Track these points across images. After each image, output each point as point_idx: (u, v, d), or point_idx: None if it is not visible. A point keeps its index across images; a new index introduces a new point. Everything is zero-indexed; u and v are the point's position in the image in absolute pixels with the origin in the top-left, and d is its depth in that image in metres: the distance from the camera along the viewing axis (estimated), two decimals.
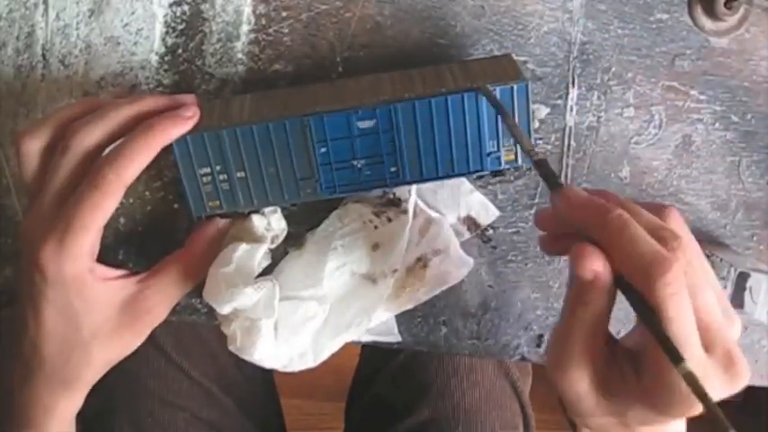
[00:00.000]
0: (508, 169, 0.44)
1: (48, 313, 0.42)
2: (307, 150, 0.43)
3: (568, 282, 0.36)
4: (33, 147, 0.42)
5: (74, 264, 0.40)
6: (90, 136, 0.41)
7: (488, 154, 0.43)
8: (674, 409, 0.33)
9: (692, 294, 0.33)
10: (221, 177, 0.44)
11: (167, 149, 0.42)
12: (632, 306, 0.33)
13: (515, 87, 0.41)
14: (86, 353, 0.43)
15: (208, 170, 0.43)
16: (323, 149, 0.43)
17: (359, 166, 0.43)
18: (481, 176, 0.49)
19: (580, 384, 0.36)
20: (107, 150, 0.41)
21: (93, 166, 0.41)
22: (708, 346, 0.33)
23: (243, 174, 0.43)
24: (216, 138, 0.42)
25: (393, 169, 0.43)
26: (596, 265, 0.34)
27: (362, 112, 0.42)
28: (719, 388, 0.33)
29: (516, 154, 0.43)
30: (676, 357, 0.31)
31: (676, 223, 0.37)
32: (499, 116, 0.42)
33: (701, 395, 0.30)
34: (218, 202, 0.44)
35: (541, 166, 0.38)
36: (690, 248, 0.34)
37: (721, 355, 0.33)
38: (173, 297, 0.46)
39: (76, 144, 0.41)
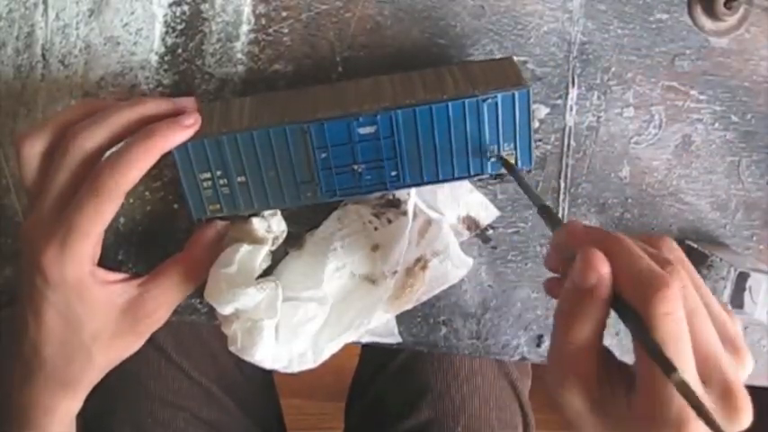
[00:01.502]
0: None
1: (49, 315, 0.42)
2: (307, 156, 0.43)
3: (558, 303, 0.36)
4: (34, 149, 0.42)
5: (75, 268, 0.40)
6: (90, 139, 0.41)
7: (489, 158, 0.43)
8: (669, 426, 0.31)
9: (689, 320, 0.32)
10: (222, 182, 0.44)
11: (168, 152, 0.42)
12: (624, 321, 0.32)
13: (516, 94, 0.41)
14: (87, 355, 0.43)
15: (208, 175, 0.43)
16: (323, 155, 0.43)
17: (359, 170, 0.43)
18: (481, 178, 0.49)
19: (575, 402, 0.35)
20: (107, 153, 0.41)
21: (93, 170, 0.40)
22: (704, 379, 0.32)
23: (243, 178, 0.43)
24: (216, 143, 0.42)
25: (393, 173, 0.43)
26: (603, 269, 0.33)
27: (363, 119, 0.42)
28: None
29: (516, 158, 0.43)
30: (668, 367, 0.30)
31: (673, 252, 0.36)
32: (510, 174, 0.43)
33: (697, 406, 0.28)
34: (218, 206, 0.44)
35: (545, 212, 0.38)
36: (686, 276, 0.33)
37: (719, 388, 0.32)
38: (173, 300, 0.46)
39: (77, 147, 0.40)
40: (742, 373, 0.34)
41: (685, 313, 0.32)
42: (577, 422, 0.36)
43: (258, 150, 0.42)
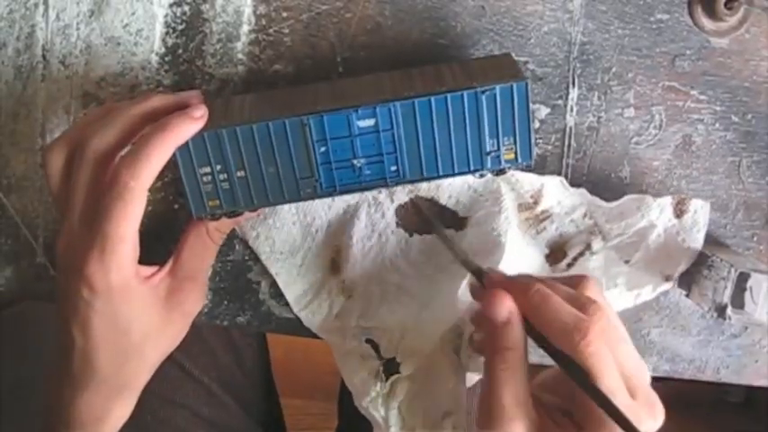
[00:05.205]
0: (509, 168, 0.45)
1: (97, 324, 0.42)
2: (306, 150, 0.43)
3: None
4: (55, 162, 0.42)
5: (119, 273, 0.41)
6: (102, 141, 0.41)
7: (488, 153, 0.43)
8: None
9: (612, 350, 0.37)
10: (221, 177, 0.44)
11: None
12: (565, 369, 0.37)
13: (515, 86, 0.42)
14: (140, 355, 0.44)
15: (208, 170, 0.43)
16: (323, 149, 0.43)
17: (359, 165, 0.43)
18: (483, 175, 0.48)
19: None
20: (122, 153, 0.41)
21: (111, 171, 0.40)
22: (632, 393, 0.37)
23: (243, 173, 0.43)
24: (216, 137, 0.42)
25: (393, 168, 0.44)
26: (508, 304, 0.38)
27: (362, 111, 0.42)
28: (647, 428, 0.37)
29: (516, 152, 0.43)
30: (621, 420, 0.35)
31: (592, 290, 0.40)
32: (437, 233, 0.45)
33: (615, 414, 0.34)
34: (217, 202, 0.44)
35: (468, 266, 0.42)
36: (606, 310, 0.37)
37: (644, 399, 0.37)
38: (205, 272, 0.48)
39: (90, 152, 0.41)
40: (648, 380, 0.39)
41: (609, 345, 0.36)
42: None
43: (258, 144, 0.43)
